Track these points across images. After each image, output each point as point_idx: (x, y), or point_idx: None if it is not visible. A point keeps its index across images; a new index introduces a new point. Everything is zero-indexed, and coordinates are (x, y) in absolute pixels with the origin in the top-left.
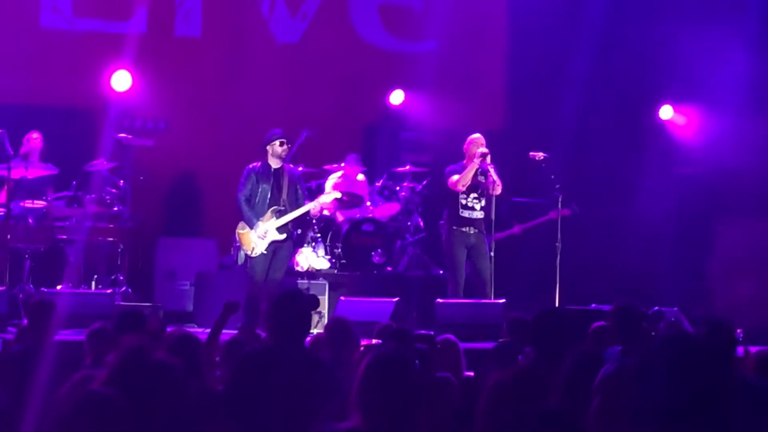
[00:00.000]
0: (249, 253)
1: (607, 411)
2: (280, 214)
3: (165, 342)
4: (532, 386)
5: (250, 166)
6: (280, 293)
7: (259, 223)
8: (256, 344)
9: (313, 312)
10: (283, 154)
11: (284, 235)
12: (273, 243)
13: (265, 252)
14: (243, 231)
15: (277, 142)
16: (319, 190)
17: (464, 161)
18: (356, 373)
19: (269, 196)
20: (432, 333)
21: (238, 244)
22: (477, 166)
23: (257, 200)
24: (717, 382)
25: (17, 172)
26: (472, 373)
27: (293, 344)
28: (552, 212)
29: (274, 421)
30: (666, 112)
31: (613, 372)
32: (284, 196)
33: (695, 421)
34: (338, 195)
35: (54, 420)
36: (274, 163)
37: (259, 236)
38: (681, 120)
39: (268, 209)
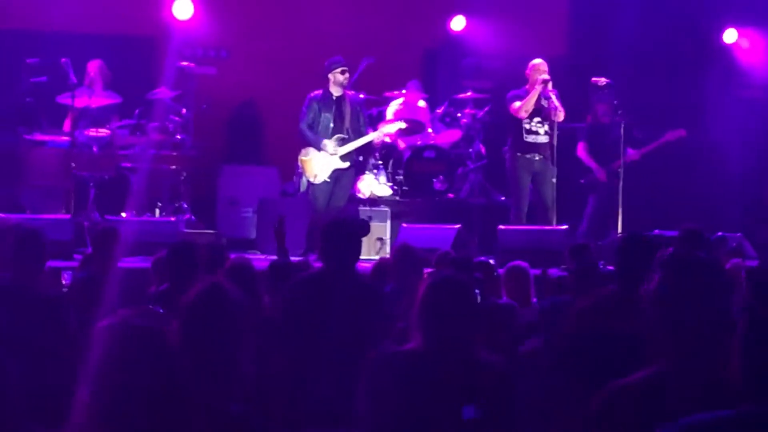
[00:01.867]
0: (311, 180)
1: (663, 293)
2: (343, 142)
3: (221, 271)
4: (616, 311)
5: (312, 94)
6: (330, 220)
7: (326, 141)
8: (307, 271)
9: (376, 239)
10: (345, 82)
11: (347, 164)
12: (336, 170)
13: (328, 180)
14: (306, 158)
15: (339, 70)
16: (381, 117)
17: (527, 86)
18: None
19: (331, 124)
20: (490, 260)
21: (300, 171)
22: (539, 92)
23: (319, 129)
24: None
25: (81, 101)
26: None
27: (343, 270)
28: (668, 134)
29: (327, 346)
30: (730, 35)
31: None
32: (347, 124)
33: None
34: (402, 125)
35: (99, 351)
36: (336, 91)
37: (330, 153)
38: (745, 44)
39: (331, 137)
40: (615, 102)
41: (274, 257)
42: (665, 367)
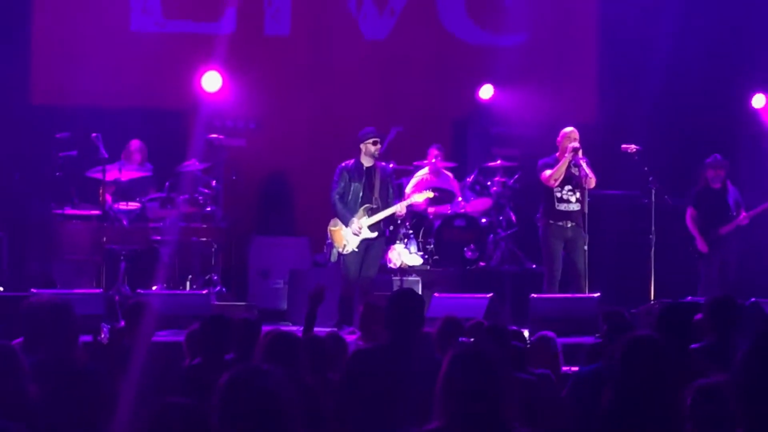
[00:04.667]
0: (341, 250)
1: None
2: (372, 212)
3: (260, 344)
4: None
5: (343, 164)
6: (395, 292)
7: (354, 219)
8: (371, 343)
9: None
10: (376, 153)
11: (376, 233)
12: (365, 240)
13: (357, 249)
14: (335, 228)
15: (371, 141)
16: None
17: (557, 154)
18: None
19: (361, 194)
20: (520, 329)
21: (330, 241)
22: (569, 161)
23: (350, 198)
24: None
25: (111, 175)
26: (574, 368)
27: (412, 342)
28: None
29: (396, 421)
30: (759, 100)
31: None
32: (376, 194)
33: None
34: (430, 195)
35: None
36: (367, 162)
37: (353, 232)
38: None
39: (360, 207)
40: (645, 168)
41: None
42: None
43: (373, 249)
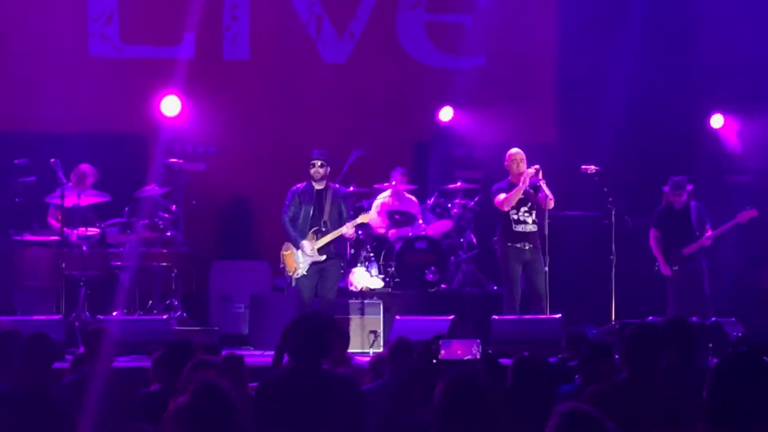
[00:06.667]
0: (292, 274)
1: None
2: (321, 234)
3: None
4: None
5: (294, 187)
6: (296, 317)
7: (304, 241)
8: (275, 372)
9: (369, 332)
10: (316, 175)
11: (324, 257)
12: (316, 264)
13: (307, 273)
14: (287, 252)
15: (311, 164)
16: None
17: (509, 178)
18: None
19: (311, 216)
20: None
21: (283, 265)
22: (524, 187)
23: (300, 221)
24: None
25: (70, 200)
26: None
27: (310, 366)
28: (739, 215)
29: None
30: (717, 121)
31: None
32: (326, 217)
33: None
34: (374, 215)
35: None
36: (318, 184)
37: (307, 254)
38: (731, 129)
39: (309, 230)
40: (605, 189)
41: (267, 352)
42: None
43: (328, 272)
